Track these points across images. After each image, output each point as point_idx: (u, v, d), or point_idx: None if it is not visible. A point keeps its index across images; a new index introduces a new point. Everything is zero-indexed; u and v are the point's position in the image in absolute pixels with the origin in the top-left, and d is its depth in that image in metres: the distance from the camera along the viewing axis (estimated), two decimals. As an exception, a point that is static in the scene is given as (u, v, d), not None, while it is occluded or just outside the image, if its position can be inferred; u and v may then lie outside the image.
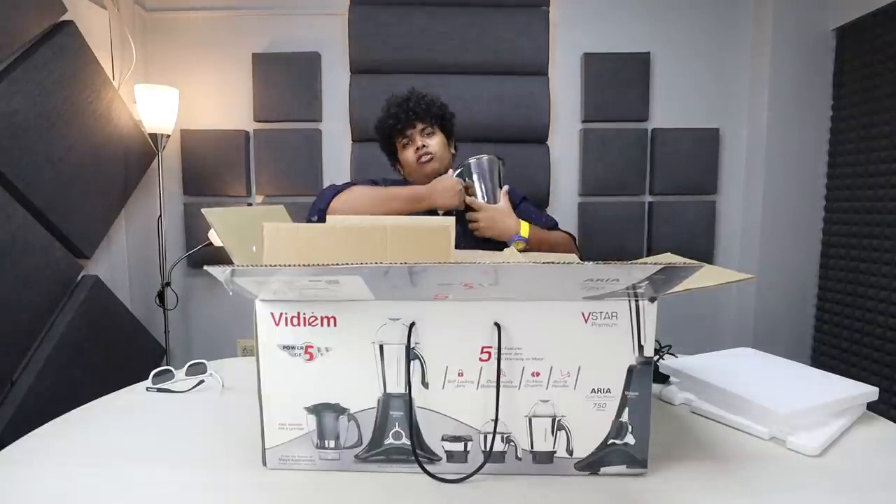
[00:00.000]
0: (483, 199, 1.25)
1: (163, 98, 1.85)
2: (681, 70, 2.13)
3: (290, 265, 0.49)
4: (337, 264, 0.48)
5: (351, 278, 0.51)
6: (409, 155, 1.33)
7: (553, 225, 1.40)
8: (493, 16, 2.04)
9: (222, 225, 0.71)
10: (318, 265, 0.48)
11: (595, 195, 2.15)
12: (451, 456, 0.61)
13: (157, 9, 2.08)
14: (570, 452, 0.61)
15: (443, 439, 0.61)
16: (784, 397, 0.72)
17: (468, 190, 1.26)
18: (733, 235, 2.20)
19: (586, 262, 0.49)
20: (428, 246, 0.65)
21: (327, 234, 0.66)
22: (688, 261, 0.59)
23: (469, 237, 1.24)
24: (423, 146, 1.31)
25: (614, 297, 0.57)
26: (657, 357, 0.98)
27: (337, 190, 1.25)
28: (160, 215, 1.97)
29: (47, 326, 1.52)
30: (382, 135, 1.38)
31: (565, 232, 1.38)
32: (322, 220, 1.19)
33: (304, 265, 0.48)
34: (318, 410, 0.61)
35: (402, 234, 0.65)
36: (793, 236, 2.09)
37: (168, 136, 1.94)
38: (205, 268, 0.50)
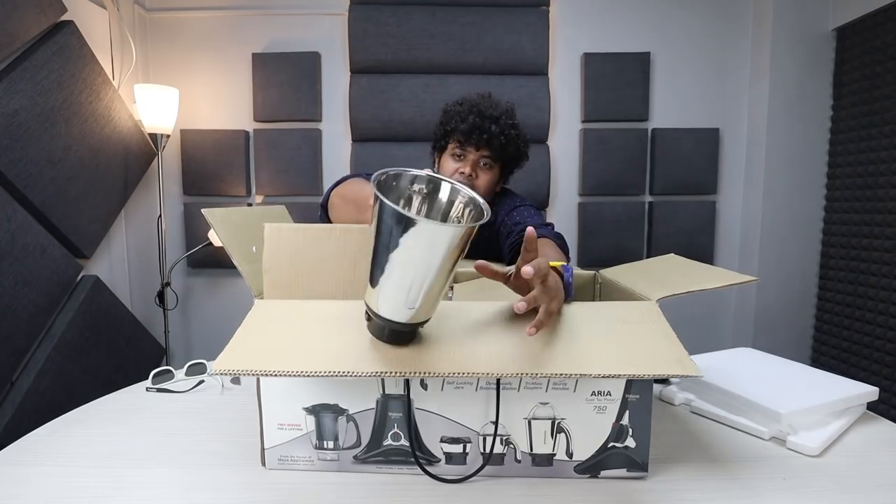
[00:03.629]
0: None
1: (163, 98, 1.85)
2: (681, 70, 2.13)
3: (290, 372, 0.50)
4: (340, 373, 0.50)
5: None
6: (449, 167, 1.18)
7: (546, 233, 1.09)
8: (493, 16, 2.04)
9: (222, 225, 0.71)
10: (318, 373, 0.50)
11: (595, 195, 2.15)
12: (449, 458, 0.61)
13: (157, 9, 2.08)
14: (570, 455, 0.60)
15: (441, 441, 0.61)
16: (784, 397, 0.72)
17: None
18: (733, 235, 2.20)
19: (591, 374, 0.51)
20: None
21: (327, 236, 0.66)
22: (693, 262, 0.58)
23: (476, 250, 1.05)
24: (469, 175, 1.14)
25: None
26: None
27: (337, 182, 1.09)
28: (160, 215, 1.97)
29: (47, 326, 1.52)
30: (443, 124, 1.20)
31: (554, 237, 1.12)
32: (324, 216, 1.07)
33: (303, 373, 0.51)
34: (316, 411, 0.61)
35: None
36: (793, 236, 2.09)
37: (168, 136, 1.94)
38: (212, 373, 0.50)
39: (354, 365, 0.51)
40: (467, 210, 0.55)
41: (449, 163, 1.18)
